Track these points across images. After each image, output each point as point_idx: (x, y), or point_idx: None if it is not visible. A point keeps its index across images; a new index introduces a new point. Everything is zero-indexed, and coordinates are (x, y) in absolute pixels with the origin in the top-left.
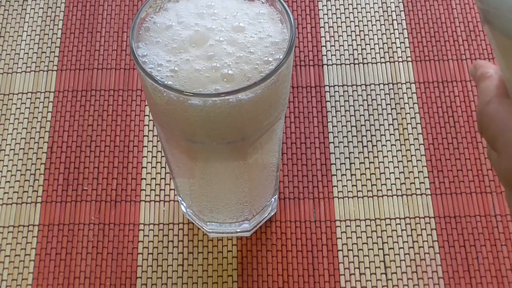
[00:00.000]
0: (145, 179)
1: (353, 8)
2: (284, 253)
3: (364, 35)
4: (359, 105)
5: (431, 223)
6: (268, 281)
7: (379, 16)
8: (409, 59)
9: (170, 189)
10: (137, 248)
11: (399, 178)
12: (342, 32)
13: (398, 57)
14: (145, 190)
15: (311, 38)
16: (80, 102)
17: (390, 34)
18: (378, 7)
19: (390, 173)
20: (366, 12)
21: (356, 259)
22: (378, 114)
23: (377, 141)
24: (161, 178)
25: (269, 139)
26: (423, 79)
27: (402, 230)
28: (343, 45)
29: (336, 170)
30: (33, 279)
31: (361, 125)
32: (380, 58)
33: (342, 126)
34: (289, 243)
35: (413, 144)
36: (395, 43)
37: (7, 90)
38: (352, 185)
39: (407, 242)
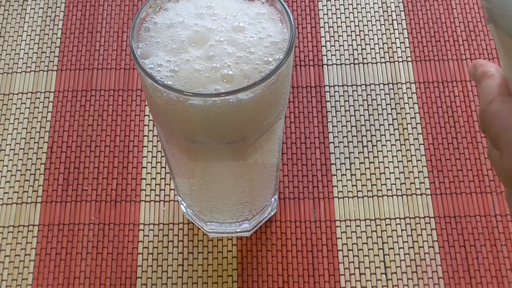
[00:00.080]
0: (145, 179)
1: (353, 8)
2: (284, 253)
3: (364, 35)
4: (359, 105)
5: (431, 223)
6: (268, 281)
7: (379, 16)
8: (409, 59)
9: (170, 189)
10: (137, 248)
11: (399, 178)
12: (342, 32)
13: (398, 57)
14: (145, 190)
15: (311, 38)
16: (80, 102)
17: (390, 34)
18: (378, 7)
19: (390, 173)
20: (366, 12)
21: (356, 259)
22: (378, 114)
23: (377, 141)
24: (161, 178)
25: (269, 139)
26: (423, 79)
27: (402, 230)
28: (343, 45)
29: (336, 170)
30: (33, 279)
31: (361, 125)
32: (380, 58)
33: (342, 126)
34: (289, 243)
35: (413, 144)
36: (395, 43)
37: (7, 90)
38: (352, 185)
39: (407, 242)
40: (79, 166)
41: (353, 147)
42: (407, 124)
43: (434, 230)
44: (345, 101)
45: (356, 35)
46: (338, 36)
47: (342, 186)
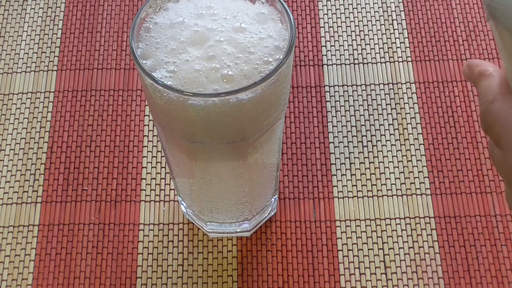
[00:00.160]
0: (145, 179)
1: (353, 8)
2: (284, 253)
3: (364, 35)
4: (359, 105)
5: (431, 223)
6: (268, 281)
7: (379, 16)
8: (409, 59)
9: (170, 189)
10: (137, 248)
11: (399, 178)
12: (342, 32)
13: (398, 57)
14: (145, 190)
15: (311, 38)
16: (80, 102)
17: (390, 34)
18: (378, 7)
19: (390, 173)
20: (366, 12)
21: (356, 259)
22: (378, 114)
23: (377, 141)
24: (161, 178)
25: (269, 139)
26: (423, 79)
27: (402, 230)
28: (343, 45)
29: (336, 170)
30: (33, 279)
31: (361, 125)
32: (380, 58)
33: (342, 126)
34: (289, 243)
35: (413, 144)
36: (395, 43)
37: (7, 90)
38: (352, 185)
39: (407, 242)
40: (79, 166)
41: (353, 147)
42: (407, 124)
43: (434, 230)
44: (345, 101)
45: (356, 35)
46: (338, 36)
47: (342, 186)
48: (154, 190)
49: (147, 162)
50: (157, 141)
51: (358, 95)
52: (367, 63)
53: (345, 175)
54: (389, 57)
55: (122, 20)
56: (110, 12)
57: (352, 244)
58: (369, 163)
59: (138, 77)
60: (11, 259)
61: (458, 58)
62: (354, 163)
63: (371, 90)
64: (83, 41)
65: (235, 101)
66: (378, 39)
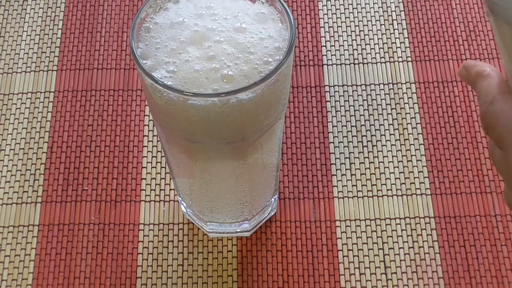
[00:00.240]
0: (145, 179)
1: (353, 8)
2: (284, 253)
3: (364, 35)
4: (359, 105)
5: (431, 223)
6: (268, 281)
7: (379, 16)
8: (409, 59)
9: (170, 189)
10: (137, 248)
11: (399, 178)
12: (342, 32)
13: (398, 57)
14: (145, 190)
15: (311, 38)
16: (80, 102)
17: (390, 34)
18: (378, 7)
19: (390, 173)
20: (366, 12)
21: (356, 259)
22: (378, 114)
23: (377, 141)
24: (161, 178)
25: (269, 139)
26: (423, 79)
27: (402, 230)
28: (343, 45)
29: (336, 170)
30: (33, 279)
31: (361, 125)
32: (380, 58)
33: (342, 126)
34: (289, 243)
35: (413, 144)
36: (395, 43)
37: (7, 90)
38: (352, 185)
39: (407, 242)
40: (79, 166)
41: (353, 147)
42: (407, 124)
43: (434, 230)
44: (345, 101)
45: (356, 35)
46: (338, 36)
47: (342, 186)
48: (154, 190)
49: (147, 162)
50: (157, 141)
51: (358, 95)
52: (367, 63)
53: (345, 175)
54: (389, 57)
55: (122, 20)
56: (110, 12)
57: (352, 244)
58: (369, 163)
59: (138, 77)
60: (11, 259)
61: (458, 58)
62: (354, 163)
63: (371, 90)
64: (83, 41)
65: (235, 101)
66: (378, 39)
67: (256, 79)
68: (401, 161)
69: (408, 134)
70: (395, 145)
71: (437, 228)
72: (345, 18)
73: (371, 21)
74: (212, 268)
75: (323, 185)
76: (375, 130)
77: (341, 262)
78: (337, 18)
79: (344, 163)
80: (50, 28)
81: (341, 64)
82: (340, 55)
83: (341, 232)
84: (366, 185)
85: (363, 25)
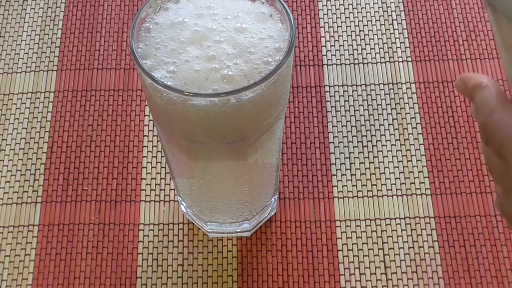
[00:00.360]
0: (145, 179)
1: (353, 8)
2: (284, 253)
3: (364, 35)
4: (359, 105)
5: (431, 223)
6: (268, 281)
7: (379, 16)
8: (409, 59)
9: (170, 189)
10: (137, 248)
11: (399, 178)
12: (342, 32)
13: (398, 57)
14: (145, 190)
15: (311, 38)
16: (80, 102)
17: (390, 34)
18: (378, 7)
19: (390, 173)
20: (366, 12)
21: (356, 259)
22: (378, 114)
23: (377, 141)
24: (161, 178)
25: (269, 139)
26: (423, 79)
27: (402, 230)
28: (343, 45)
29: (336, 170)
30: (33, 279)
31: (361, 125)
32: (380, 58)
33: (342, 126)
34: (289, 243)
35: (413, 144)
36: (395, 43)
37: (7, 90)
38: (352, 185)
39: (407, 242)
40: (79, 166)
41: (353, 147)
42: (407, 124)
43: (434, 230)
44: (345, 101)
45: (356, 35)
46: (338, 36)
47: (342, 186)
48: (154, 190)
49: (147, 162)
50: (157, 141)
51: (358, 95)
52: (367, 63)
53: (345, 175)
54: (389, 57)
55: (122, 20)
56: (110, 12)
57: (352, 244)
58: (369, 163)
59: (138, 77)
60: (11, 259)
61: (458, 58)
62: (354, 163)
63: (371, 90)
64: (83, 41)
65: (235, 101)
66: (378, 39)
67: (256, 79)
68: (401, 161)
69: (408, 134)
70: (395, 145)
71: (437, 228)
72: (345, 18)
73: (371, 21)
74: (212, 268)
75: (323, 185)
76: (375, 130)
77: (341, 262)
78: (337, 18)
79: (344, 163)
80: (50, 28)
81: (341, 64)
82: (340, 55)
83: (341, 232)
84: (366, 185)
85: (363, 25)
